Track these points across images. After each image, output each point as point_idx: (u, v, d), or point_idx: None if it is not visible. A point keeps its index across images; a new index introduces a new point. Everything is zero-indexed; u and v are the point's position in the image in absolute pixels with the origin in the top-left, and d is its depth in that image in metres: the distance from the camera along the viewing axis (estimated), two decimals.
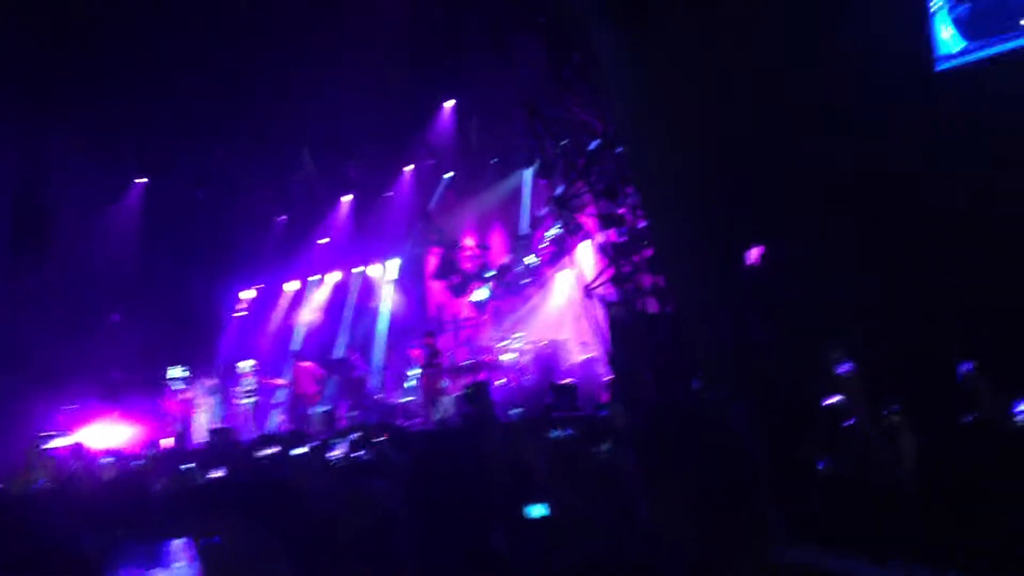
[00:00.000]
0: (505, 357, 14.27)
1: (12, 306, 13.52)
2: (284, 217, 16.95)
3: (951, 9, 7.04)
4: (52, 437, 11.60)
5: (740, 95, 7.63)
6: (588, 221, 10.82)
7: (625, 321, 9.73)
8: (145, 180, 15.07)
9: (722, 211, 7.78)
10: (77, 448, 10.78)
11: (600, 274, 10.36)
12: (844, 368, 3.27)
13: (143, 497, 3.80)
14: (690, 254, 8.51)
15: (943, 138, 6.53)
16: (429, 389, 12.66)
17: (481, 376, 13.25)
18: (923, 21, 7.08)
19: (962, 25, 6.99)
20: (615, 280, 10.01)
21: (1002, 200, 6.24)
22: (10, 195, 13.46)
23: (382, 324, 16.96)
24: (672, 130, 8.30)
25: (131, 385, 14.39)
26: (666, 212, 8.88)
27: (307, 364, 13.89)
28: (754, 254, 7.79)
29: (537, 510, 3.13)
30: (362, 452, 5.64)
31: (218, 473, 5.90)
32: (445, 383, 12.79)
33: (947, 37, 7.05)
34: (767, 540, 1.41)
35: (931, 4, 7.09)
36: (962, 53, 6.94)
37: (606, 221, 10.11)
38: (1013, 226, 6.13)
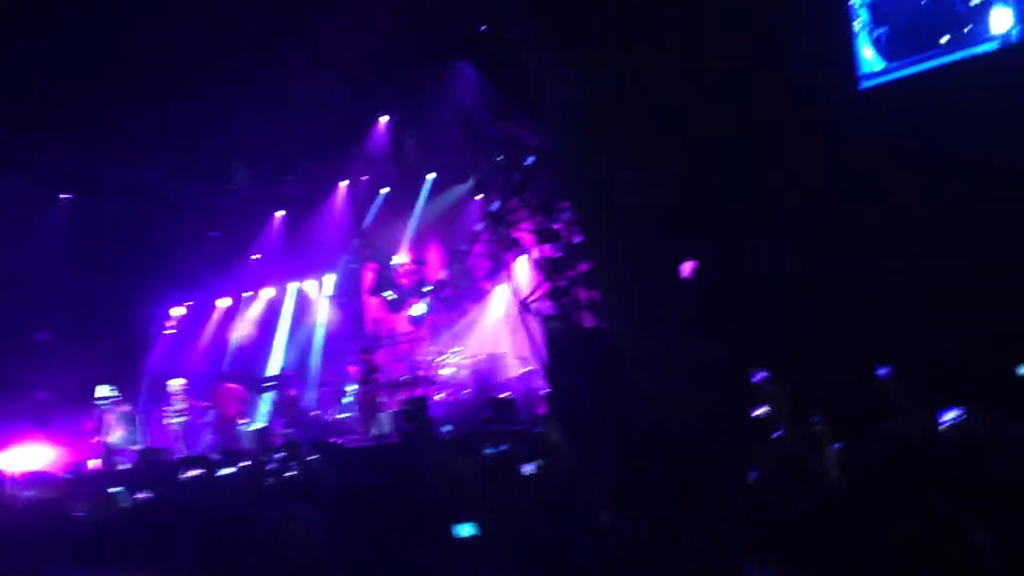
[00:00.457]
0: (443, 372, 14.23)
1: None
2: (216, 233, 16.63)
3: (871, 31, 7.32)
4: None
5: (673, 114, 7.78)
6: (524, 236, 10.89)
7: (562, 335, 9.80)
8: (70, 197, 14.63)
9: (656, 226, 7.91)
10: None
11: (536, 288, 10.43)
12: (759, 377, 3.35)
13: (63, 523, 3.68)
14: (625, 269, 8.62)
15: (867, 153, 6.76)
16: (366, 405, 12.55)
17: (419, 391, 13.19)
18: (847, 42, 7.34)
19: (882, 46, 7.27)
20: (551, 295, 10.09)
21: (920, 212, 6.49)
22: None
23: (318, 340, 16.77)
24: (607, 146, 8.41)
25: (58, 405, 13.95)
26: (601, 227, 8.98)
27: (231, 385, 13.64)
28: (687, 268, 7.92)
29: (466, 529, 3.12)
30: (293, 472, 5.55)
31: (143, 496, 5.75)
32: (382, 399, 12.69)
33: (869, 57, 7.32)
34: (730, 556, 1.38)
35: (854, 26, 7.35)
36: (884, 72, 7.21)
37: (542, 236, 10.20)
38: (932, 234, 6.39)
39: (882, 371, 3.86)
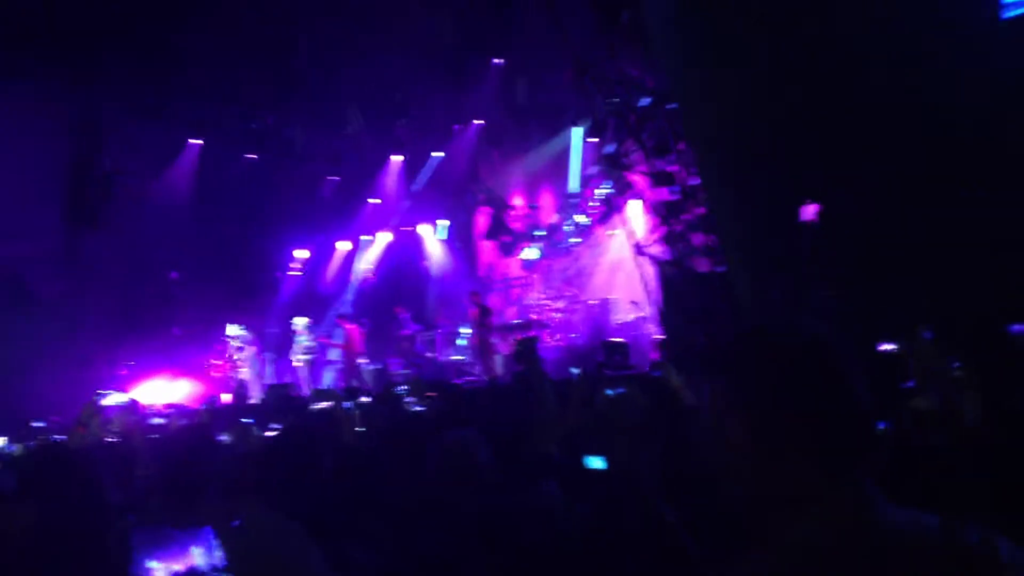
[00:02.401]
0: (555, 315, 14.32)
1: (72, 269, 13.91)
2: (336, 178, 17.07)
3: None
4: (109, 394, 11.99)
5: (795, 49, 7.46)
6: (638, 179, 10.72)
7: (676, 280, 9.67)
8: (199, 142, 15.26)
9: (776, 168, 7.64)
10: (132, 404, 11.13)
11: (651, 233, 10.29)
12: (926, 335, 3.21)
13: (212, 447, 3.89)
14: (743, 212, 8.40)
15: (1008, 85, 6.34)
16: (480, 348, 12.76)
17: (531, 335, 13.32)
18: None
19: None
20: (666, 239, 9.93)
21: None
22: (66, 162, 13.77)
23: (432, 283, 17.11)
24: (725, 86, 8.15)
25: (190, 342, 14.75)
26: (719, 169, 8.76)
27: (352, 325, 14.06)
28: (810, 211, 7.65)
29: (596, 462, 3.16)
30: (419, 407, 5.72)
31: (274, 428, 6.04)
32: (496, 342, 12.87)
33: None
34: (862, 494, 1.31)
35: None
36: None
37: (657, 179, 10.02)
38: None
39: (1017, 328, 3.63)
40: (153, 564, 1.39)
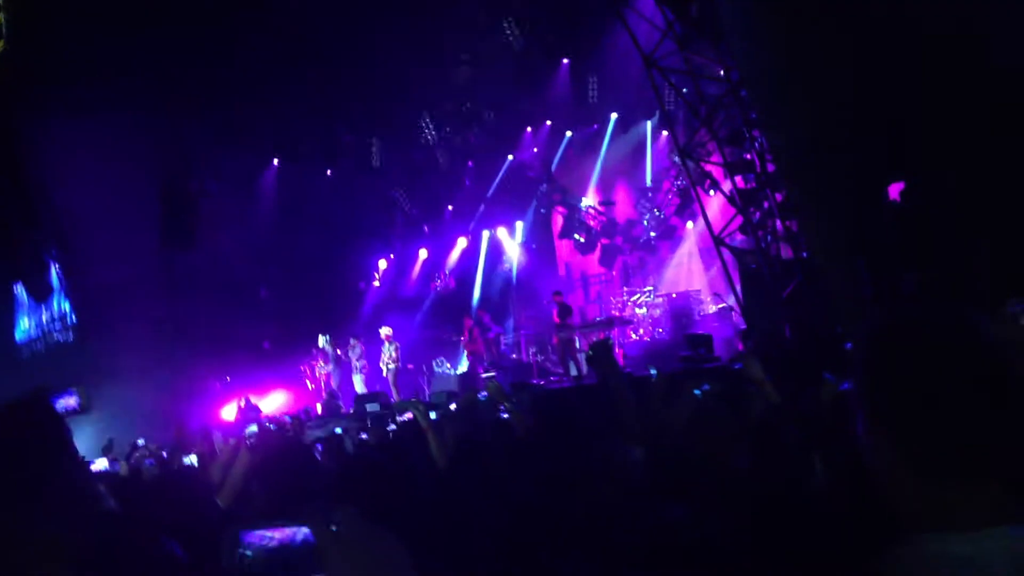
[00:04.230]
0: (637, 311, 14.23)
1: (167, 289, 14.49)
2: (408, 187, 17.31)
3: None
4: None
5: (873, 29, 7.22)
6: (714, 169, 10.57)
7: (757, 269, 9.50)
8: (278, 162, 15.73)
9: (856, 149, 7.43)
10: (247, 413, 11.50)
11: (729, 222, 10.13)
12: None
13: (305, 457, 4.00)
14: (824, 196, 8.19)
15: None
16: (563, 347, 12.75)
17: (614, 332, 13.27)
18: None
19: None
20: (745, 227, 9.77)
21: None
22: (159, 187, 14.35)
23: (512, 285, 17.18)
24: (800, 70, 7.96)
25: (280, 355, 15.17)
26: (797, 154, 8.56)
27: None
28: (894, 191, 7.43)
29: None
30: (503, 414, 5.75)
31: (363, 437, 6.17)
32: (578, 340, 12.85)
33: None
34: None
35: None
36: None
37: (733, 168, 9.86)
38: None
39: None
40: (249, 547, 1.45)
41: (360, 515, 1.43)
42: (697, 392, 4.67)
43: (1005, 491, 1.09)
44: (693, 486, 3.25)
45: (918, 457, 1.09)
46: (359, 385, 13.63)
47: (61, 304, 14.12)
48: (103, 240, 13.09)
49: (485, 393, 7.28)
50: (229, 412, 13.42)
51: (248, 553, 1.41)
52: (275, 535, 1.45)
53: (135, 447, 8.92)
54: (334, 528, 1.39)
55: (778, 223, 9.51)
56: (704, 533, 2.77)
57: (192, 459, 6.23)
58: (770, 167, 9.47)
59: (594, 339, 12.44)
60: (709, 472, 3.35)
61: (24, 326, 14.50)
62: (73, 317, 13.90)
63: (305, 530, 1.42)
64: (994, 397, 1.08)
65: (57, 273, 13.99)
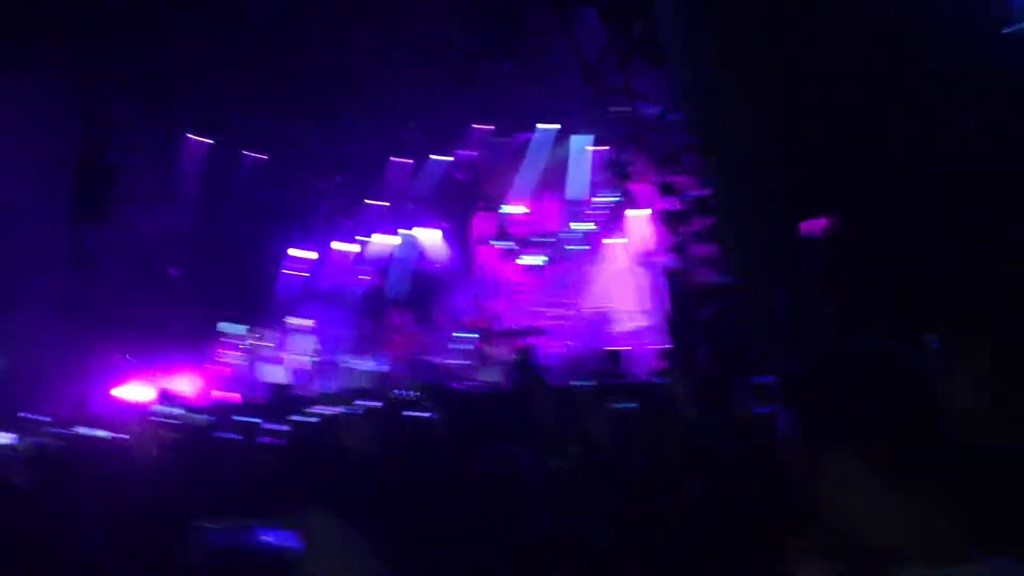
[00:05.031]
0: (557, 323, 14.30)
1: (75, 262, 13.95)
2: (338, 179, 17.08)
3: None
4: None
5: (811, 59, 7.46)
6: (644, 189, 10.76)
7: (681, 290, 9.70)
8: (202, 140, 15.30)
9: (787, 180, 7.65)
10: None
11: (656, 242, 10.31)
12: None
13: (217, 449, 3.91)
14: (752, 224, 8.41)
15: (1014, 101, 6.33)
16: (479, 352, 12.75)
17: (532, 341, 13.32)
18: None
19: None
20: (672, 249, 9.97)
21: None
22: (74, 156, 13.81)
23: (433, 286, 17.08)
24: (738, 95, 8.16)
25: (191, 339, 14.76)
26: (728, 180, 8.77)
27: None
28: (816, 226, 7.66)
29: None
30: (428, 413, 5.72)
31: (278, 428, 6.04)
32: (496, 347, 12.86)
33: None
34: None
35: None
36: None
37: (665, 189, 10.06)
38: None
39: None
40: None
41: (331, 516, 1.38)
42: (620, 406, 4.74)
43: (968, 521, 1.13)
44: (604, 496, 3.30)
45: (862, 477, 1.16)
46: (276, 376, 13.35)
47: None
48: (8, 205, 12.52)
49: (406, 392, 7.24)
50: (131, 392, 12.97)
51: (215, 553, 1.33)
52: (244, 535, 1.37)
53: (32, 423, 8.52)
54: (305, 530, 1.32)
55: (703, 247, 9.73)
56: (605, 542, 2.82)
57: (96, 433, 6.00)
58: (700, 191, 9.69)
59: (514, 347, 12.49)
60: (632, 483, 3.40)
61: None
62: None
63: (275, 531, 1.35)
64: (926, 421, 1.16)
65: None
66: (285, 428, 5.67)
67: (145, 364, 13.74)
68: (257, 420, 6.24)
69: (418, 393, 7.57)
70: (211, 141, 15.29)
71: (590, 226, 15.30)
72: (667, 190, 10.00)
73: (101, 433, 6.14)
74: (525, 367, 8.84)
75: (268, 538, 1.34)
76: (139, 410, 10.20)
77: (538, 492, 3.11)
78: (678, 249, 9.80)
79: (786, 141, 7.65)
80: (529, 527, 2.55)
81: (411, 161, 16.94)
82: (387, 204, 17.42)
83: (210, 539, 1.33)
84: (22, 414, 9.47)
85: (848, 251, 7.18)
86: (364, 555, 1.37)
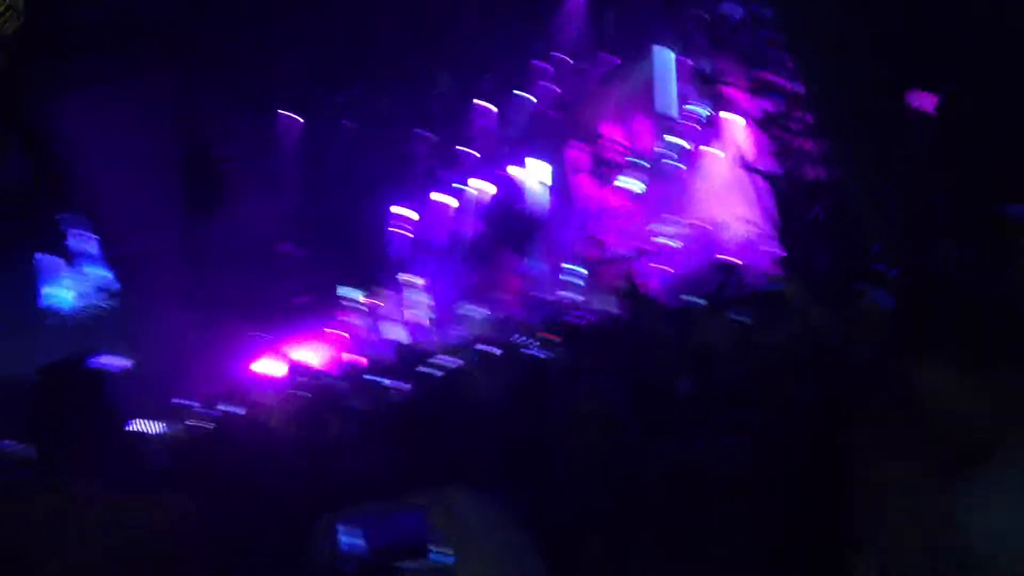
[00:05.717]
0: (666, 243, 14.11)
1: (195, 256, 14.66)
2: (428, 134, 17.20)
3: None
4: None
5: None
6: (737, 94, 10.39)
7: (788, 193, 9.39)
8: (293, 118, 15.68)
9: (889, 63, 7.21)
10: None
11: (757, 147, 9.98)
12: None
13: (345, 412, 4.06)
14: (853, 116, 8.00)
15: None
16: (594, 283, 12.74)
17: (637, 266, 13.22)
18: None
19: None
20: (773, 151, 9.63)
21: None
22: (176, 156, 14.42)
23: (537, 225, 17.09)
24: None
25: (312, 310, 15.33)
26: (824, 73, 8.35)
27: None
28: (925, 102, 7.22)
29: None
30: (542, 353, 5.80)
31: (404, 386, 6.23)
32: (608, 276, 12.81)
33: None
34: None
35: None
36: None
37: (758, 91, 9.69)
38: None
39: None
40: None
41: (477, 496, 1.33)
42: (737, 318, 4.65)
43: None
44: (745, 416, 3.24)
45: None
46: (398, 335, 13.74)
47: (98, 273, 14.31)
48: (130, 211, 13.23)
49: (527, 338, 7.34)
50: (267, 366, 13.61)
51: (352, 544, 1.27)
52: (381, 522, 1.29)
53: (177, 408, 9.09)
54: (451, 511, 1.28)
55: (808, 145, 9.36)
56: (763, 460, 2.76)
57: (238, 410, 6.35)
58: (797, 88, 9.29)
59: (623, 272, 12.40)
60: (762, 399, 3.34)
61: (62, 295, 14.72)
62: (112, 285, 14.09)
63: (417, 514, 1.27)
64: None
65: (92, 245, 14.16)
66: (410, 386, 5.85)
67: (275, 339, 14.36)
68: (383, 380, 6.46)
69: (534, 334, 7.66)
70: (301, 120, 15.65)
71: (683, 142, 14.93)
72: (761, 91, 9.63)
73: (242, 411, 6.48)
74: (635, 293, 8.77)
75: (405, 523, 1.26)
76: (274, 383, 10.70)
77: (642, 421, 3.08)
78: (780, 150, 9.46)
79: (885, 21, 7.18)
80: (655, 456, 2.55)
81: (494, 108, 16.88)
82: (477, 153, 17.45)
83: (344, 530, 1.27)
84: (174, 401, 10.10)
85: (964, 129, 6.73)
86: (509, 536, 1.34)
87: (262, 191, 15.51)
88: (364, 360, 12.68)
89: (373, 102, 15.70)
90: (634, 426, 2.64)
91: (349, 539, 1.24)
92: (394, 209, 17.63)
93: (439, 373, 6.36)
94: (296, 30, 13.07)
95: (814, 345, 3.74)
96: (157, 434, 7.74)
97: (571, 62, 16.00)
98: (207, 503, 2.10)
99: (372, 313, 14.35)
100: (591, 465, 2.60)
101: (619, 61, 15.61)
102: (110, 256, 14.03)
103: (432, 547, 1.22)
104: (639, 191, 15.63)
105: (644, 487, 2.31)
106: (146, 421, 8.58)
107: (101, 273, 14.19)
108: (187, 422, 7.75)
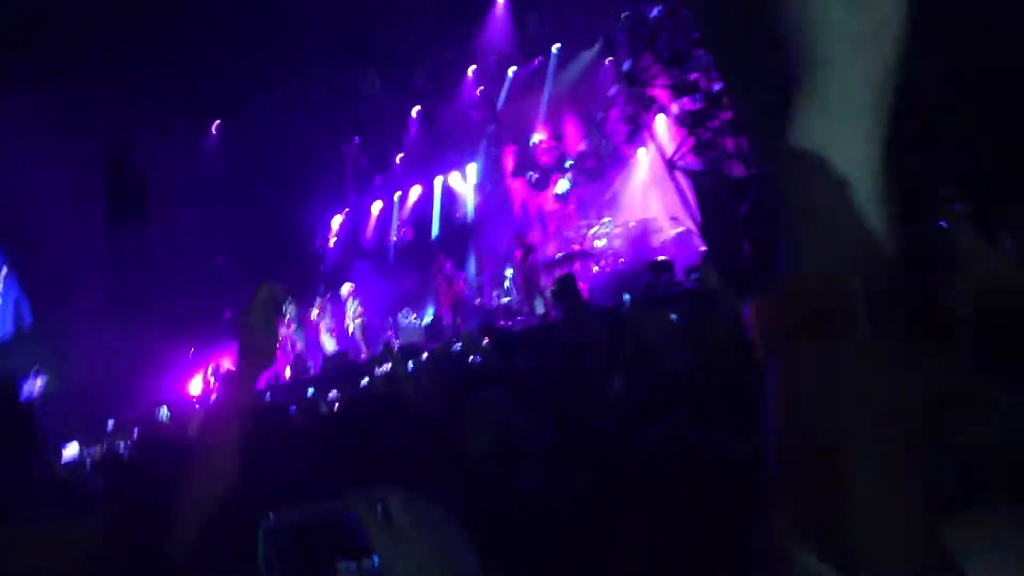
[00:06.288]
0: (597, 244, 14.21)
1: (121, 265, 14.19)
2: (357, 139, 17.02)
3: None
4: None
5: None
6: (660, 93, 10.50)
7: (713, 189, 9.50)
8: (219, 122, 15.34)
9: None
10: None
11: (680, 145, 10.09)
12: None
13: (286, 424, 3.96)
14: (773, 109, 8.14)
15: None
16: (526, 287, 12.75)
17: (576, 267, 13.28)
18: None
19: None
20: (696, 149, 9.74)
21: None
22: (102, 162, 13.95)
23: (470, 229, 17.06)
24: None
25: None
26: (741, 70, 8.48)
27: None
28: None
29: None
30: (475, 358, 5.75)
31: (333, 395, 6.13)
32: (541, 279, 12.84)
33: None
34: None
35: None
36: None
37: (679, 89, 9.80)
38: None
39: None
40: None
41: (410, 496, 1.31)
42: (673, 317, 4.67)
43: None
44: (679, 404, 3.25)
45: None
46: (327, 345, 13.54)
47: (13, 289, 13.78)
48: (51, 221, 12.77)
49: (459, 344, 7.27)
50: (196, 385, 13.29)
51: (282, 546, 1.25)
52: (313, 524, 1.28)
53: (109, 429, 8.81)
54: (381, 510, 1.25)
55: (728, 141, 9.49)
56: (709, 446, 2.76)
57: (165, 430, 6.16)
58: (716, 86, 9.41)
59: (557, 275, 12.43)
60: (697, 388, 3.35)
61: None
62: (28, 302, 13.58)
63: (350, 515, 1.25)
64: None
65: (3, 258, 13.62)
66: (339, 397, 5.75)
67: (204, 354, 14.02)
68: (311, 393, 6.34)
69: (475, 343, 7.60)
70: (225, 124, 15.31)
71: (613, 141, 15.06)
72: (682, 90, 9.74)
73: (170, 429, 6.30)
74: (568, 294, 8.77)
75: (337, 524, 1.25)
76: (202, 396, 10.47)
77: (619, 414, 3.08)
78: (702, 148, 9.58)
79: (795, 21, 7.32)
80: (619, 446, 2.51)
81: (423, 110, 16.79)
82: (410, 157, 17.34)
83: (277, 527, 1.26)
84: (110, 420, 9.78)
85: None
86: (445, 535, 1.31)
87: (189, 200, 15.13)
88: (295, 370, 12.51)
89: (302, 107, 15.45)
90: (535, 435, 2.59)
91: (279, 541, 1.23)
92: (325, 216, 17.43)
93: (368, 380, 6.28)
94: (224, 35, 12.75)
95: (743, 340, 3.76)
96: (83, 456, 7.49)
97: (497, 65, 16.02)
98: (136, 522, 2.01)
99: (303, 323, 14.10)
100: (494, 475, 2.55)
101: (546, 62, 15.70)
102: (32, 270, 13.54)
103: (365, 547, 1.21)
104: (571, 191, 15.72)
105: (554, 493, 2.28)
106: (72, 443, 8.30)
107: (18, 290, 13.68)
108: (115, 440, 7.50)
